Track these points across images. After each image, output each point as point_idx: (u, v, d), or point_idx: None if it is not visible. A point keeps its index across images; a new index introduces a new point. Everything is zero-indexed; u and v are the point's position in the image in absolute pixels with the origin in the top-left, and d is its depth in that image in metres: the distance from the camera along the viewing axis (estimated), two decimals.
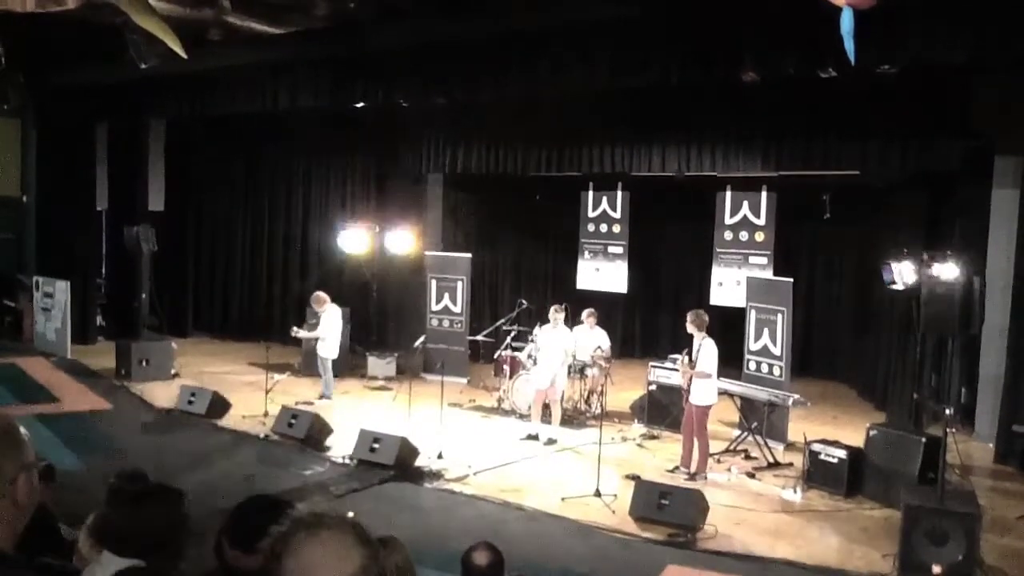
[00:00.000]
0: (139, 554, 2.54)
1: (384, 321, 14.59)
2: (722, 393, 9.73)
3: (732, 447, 9.99)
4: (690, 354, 9.12)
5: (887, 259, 9.51)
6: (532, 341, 11.16)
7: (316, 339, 11.99)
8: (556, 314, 10.47)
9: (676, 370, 10.15)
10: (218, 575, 2.60)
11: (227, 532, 2.56)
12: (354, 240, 13.81)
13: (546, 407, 10.51)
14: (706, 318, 9.20)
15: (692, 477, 8.92)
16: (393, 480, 8.72)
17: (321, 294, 12.12)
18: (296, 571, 1.34)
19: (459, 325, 13.55)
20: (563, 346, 10.40)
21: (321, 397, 11.83)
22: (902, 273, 9.08)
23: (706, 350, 8.96)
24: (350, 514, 1.44)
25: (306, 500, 7.73)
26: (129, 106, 14.13)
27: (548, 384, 10.36)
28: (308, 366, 13.24)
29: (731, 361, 10.49)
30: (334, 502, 7.97)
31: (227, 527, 2.58)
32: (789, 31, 7.95)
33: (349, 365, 13.30)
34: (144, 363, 12.82)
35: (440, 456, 9.28)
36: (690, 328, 9.12)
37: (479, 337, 13.35)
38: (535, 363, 10.81)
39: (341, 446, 9.63)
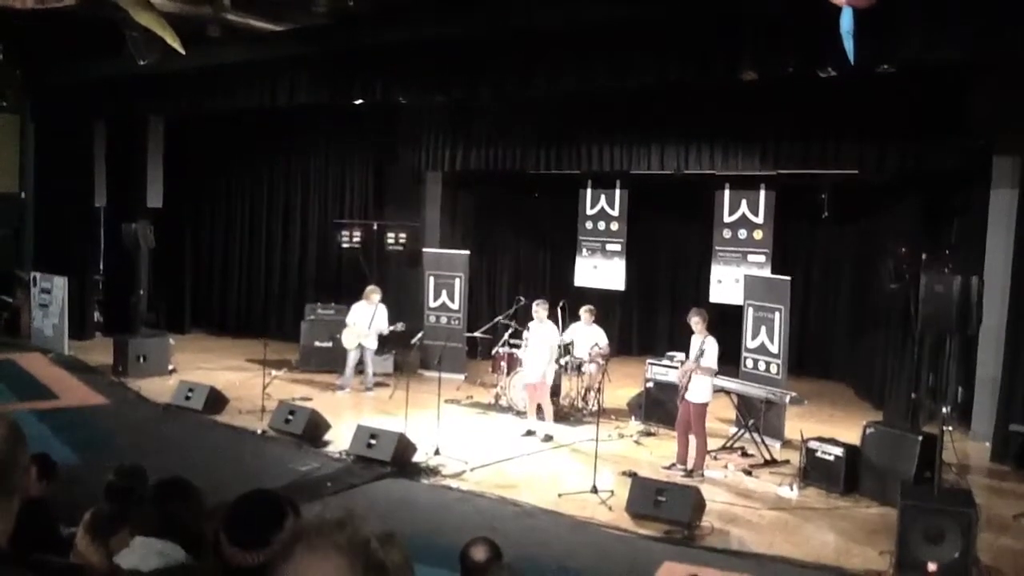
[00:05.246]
0: (174, 538, 2.57)
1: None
2: (719, 390, 9.75)
3: (729, 444, 10.01)
4: (687, 352, 9.14)
5: (885, 258, 9.52)
6: (523, 339, 11.21)
7: (366, 335, 12.01)
8: (539, 309, 10.50)
9: (674, 367, 10.17)
10: (215, 571, 2.58)
11: (225, 529, 2.53)
12: (352, 237, 13.81)
13: (540, 406, 10.53)
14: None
15: (689, 474, 8.94)
16: (390, 476, 8.73)
17: (377, 288, 12.34)
18: None
19: (457, 322, 13.55)
20: (549, 341, 10.41)
21: (368, 389, 12.18)
22: (900, 272, 9.09)
23: (712, 347, 8.98)
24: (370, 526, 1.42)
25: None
26: (128, 103, 14.09)
27: (537, 379, 10.38)
28: (306, 362, 13.27)
29: (729, 359, 10.51)
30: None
31: (225, 523, 2.56)
32: (788, 30, 7.95)
33: None
34: (141, 359, 12.81)
35: (437, 452, 9.29)
36: (696, 326, 9.13)
37: (477, 334, 13.36)
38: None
39: (338, 442, 9.65)
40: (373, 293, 12.16)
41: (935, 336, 9.00)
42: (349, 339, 12.08)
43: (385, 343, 12.69)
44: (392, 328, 12.08)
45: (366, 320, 11.99)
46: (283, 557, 1.36)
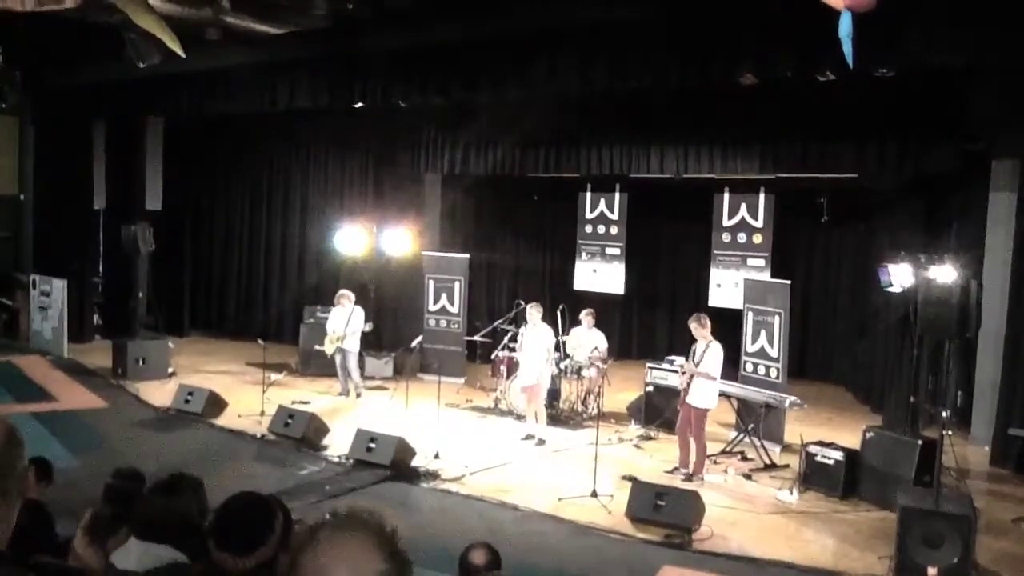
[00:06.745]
0: (170, 540, 2.54)
1: (381, 321, 14.58)
2: (719, 395, 9.73)
3: (729, 449, 10.00)
4: (692, 358, 9.13)
5: (884, 262, 9.51)
6: (517, 342, 11.20)
7: (342, 337, 12.00)
8: (533, 312, 10.51)
9: (674, 371, 10.17)
10: (211, 571, 2.55)
11: (213, 533, 2.49)
12: (352, 240, 13.81)
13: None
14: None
15: (689, 478, 8.93)
16: (389, 480, 8.73)
17: (348, 291, 12.29)
18: (309, 569, 1.35)
19: (456, 325, 13.55)
20: (544, 344, 10.39)
21: (358, 395, 12.10)
22: (899, 276, 9.08)
23: (712, 353, 8.97)
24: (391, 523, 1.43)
25: (300, 499, 7.73)
26: (127, 105, 14.10)
27: (532, 382, 10.37)
28: (305, 365, 13.26)
29: (728, 363, 10.50)
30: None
31: (213, 528, 2.51)
32: (787, 34, 7.95)
33: None
34: (141, 362, 12.81)
35: (437, 456, 9.29)
36: (696, 332, 9.11)
37: (476, 337, 13.35)
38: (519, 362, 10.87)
39: (337, 446, 9.63)
40: (343, 298, 12.12)
41: (934, 340, 9.00)
42: (328, 347, 12.11)
43: (381, 347, 12.66)
44: (364, 328, 12.06)
45: (341, 324, 11.96)
46: (312, 532, 1.38)
